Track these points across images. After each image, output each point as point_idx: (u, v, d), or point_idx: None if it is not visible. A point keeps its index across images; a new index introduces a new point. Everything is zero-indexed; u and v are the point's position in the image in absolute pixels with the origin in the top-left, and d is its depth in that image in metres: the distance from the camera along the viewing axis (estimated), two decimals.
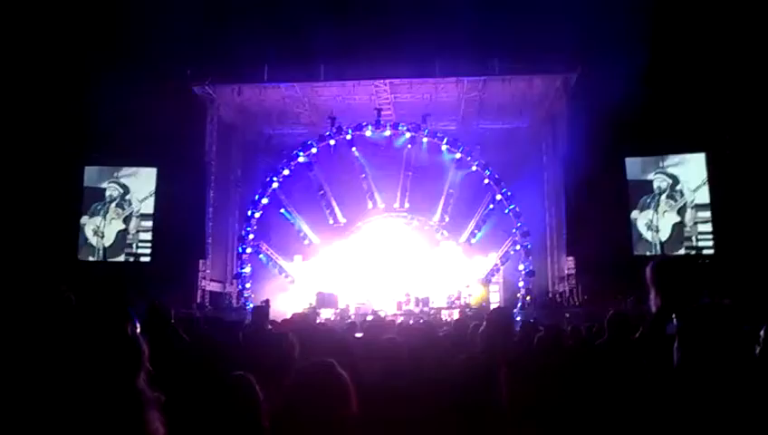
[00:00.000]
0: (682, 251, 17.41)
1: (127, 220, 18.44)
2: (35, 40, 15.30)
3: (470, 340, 4.56)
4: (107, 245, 18.24)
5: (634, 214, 17.74)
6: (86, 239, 18.20)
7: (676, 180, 17.71)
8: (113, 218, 18.37)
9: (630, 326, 4.14)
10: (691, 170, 17.68)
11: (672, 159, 17.82)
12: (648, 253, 17.45)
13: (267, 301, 15.59)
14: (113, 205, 18.50)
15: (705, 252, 17.23)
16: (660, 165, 17.86)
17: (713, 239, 17.09)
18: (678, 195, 17.64)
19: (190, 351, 5.15)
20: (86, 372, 1.88)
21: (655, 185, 17.79)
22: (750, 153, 15.57)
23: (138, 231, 18.42)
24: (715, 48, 15.18)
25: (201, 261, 18.61)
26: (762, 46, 14.62)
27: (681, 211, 17.52)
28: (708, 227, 17.30)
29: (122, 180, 18.65)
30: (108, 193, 18.57)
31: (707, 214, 17.35)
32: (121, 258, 18.21)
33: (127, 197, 18.59)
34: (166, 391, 2.06)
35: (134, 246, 18.38)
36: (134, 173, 18.71)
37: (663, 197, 17.69)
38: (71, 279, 14.82)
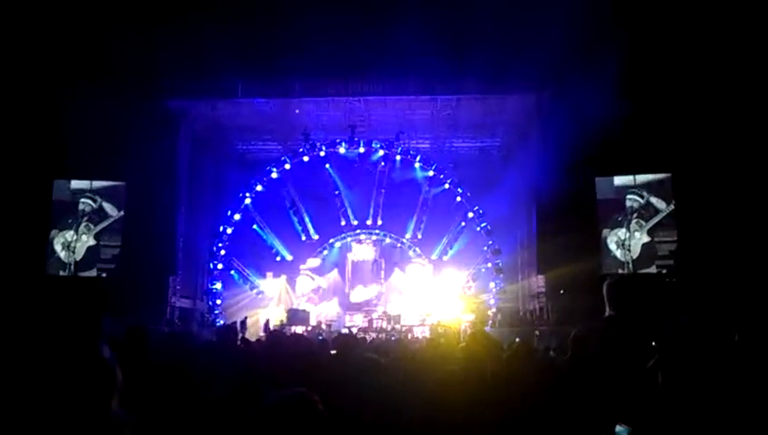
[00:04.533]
0: (653, 269, 17.61)
1: (98, 235, 18.16)
2: (3, 52, 15.08)
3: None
4: (77, 259, 17.93)
5: (605, 233, 17.95)
6: (55, 254, 17.87)
7: (647, 200, 17.96)
8: (84, 233, 18.06)
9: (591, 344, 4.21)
10: (661, 190, 17.97)
11: (643, 179, 18.08)
12: (619, 271, 17.64)
13: (243, 321, 15.57)
14: (85, 219, 18.20)
15: (671, 271, 17.46)
16: (631, 184, 18.12)
17: (678, 259, 17.35)
18: (649, 214, 17.88)
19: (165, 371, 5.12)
20: (60, 397, 1.86)
21: (627, 204, 18.02)
22: (715, 174, 15.90)
23: (108, 246, 18.13)
24: (684, 71, 15.52)
25: (171, 277, 18.38)
26: (729, 69, 15.00)
27: (651, 231, 17.77)
28: (675, 247, 17.57)
29: (94, 194, 18.37)
30: (80, 208, 18.27)
31: (675, 233, 17.63)
32: (93, 273, 17.90)
33: (99, 211, 18.30)
34: (141, 413, 2.05)
35: (106, 261, 18.08)
36: (105, 187, 18.44)
37: (634, 216, 17.92)
38: (38, 294, 14.57)
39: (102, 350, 2.01)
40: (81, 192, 18.31)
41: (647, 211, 17.88)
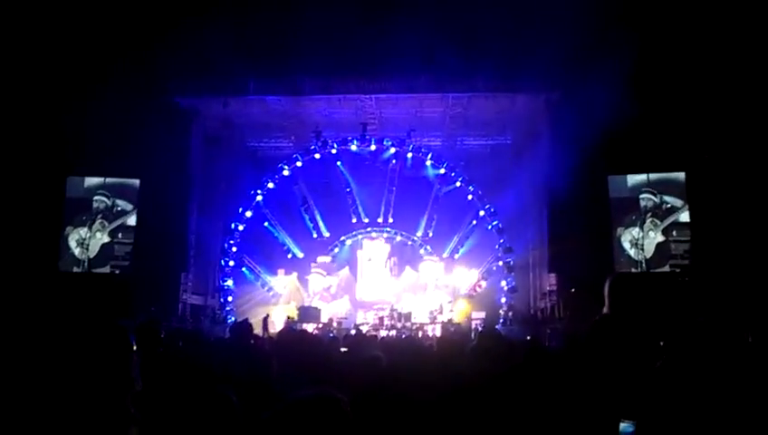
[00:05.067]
0: (667, 268, 17.49)
1: (112, 232, 18.29)
2: (19, 50, 15.20)
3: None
4: (91, 256, 18.06)
5: (619, 231, 17.84)
6: (69, 250, 18.01)
7: (661, 198, 17.84)
8: (98, 230, 18.20)
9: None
10: (675, 189, 17.84)
11: (657, 177, 17.95)
12: (632, 269, 17.55)
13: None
14: (99, 216, 18.33)
15: (685, 271, 17.33)
16: (645, 183, 18.01)
17: (691, 258, 17.24)
18: (663, 213, 17.77)
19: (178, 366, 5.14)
20: (78, 390, 1.88)
21: (641, 203, 17.91)
22: (728, 172, 15.78)
23: (122, 243, 18.26)
24: (696, 68, 15.43)
25: (183, 274, 18.48)
26: (740, 68, 14.89)
27: (666, 230, 17.64)
28: (690, 246, 17.44)
29: (108, 192, 18.50)
30: (95, 205, 18.41)
31: (689, 232, 17.51)
32: (106, 270, 18.03)
33: (113, 209, 18.43)
34: (151, 409, 2.07)
35: (119, 257, 18.21)
36: (119, 184, 18.57)
37: (648, 214, 17.80)
38: (50, 290, 14.70)
39: (128, 352, 2.03)
40: (96, 189, 18.44)
41: (661, 210, 17.76)
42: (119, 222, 18.33)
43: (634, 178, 18.07)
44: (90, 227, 18.16)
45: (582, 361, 3.18)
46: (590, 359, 3.08)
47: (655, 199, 17.81)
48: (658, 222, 17.68)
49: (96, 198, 18.40)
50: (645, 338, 2.99)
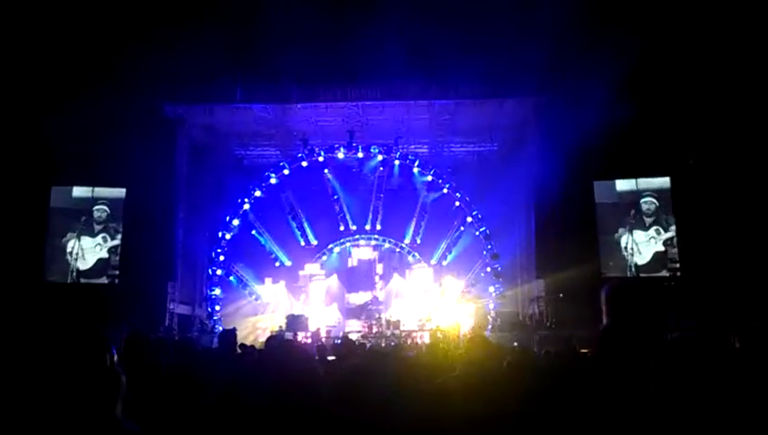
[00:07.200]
0: (664, 273, 17.51)
1: (105, 241, 18.07)
2: (1, 56, 15.07)
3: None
4: (87, 266, 17.84)
5: (620, 232, 17.82)
6: (65, 259, 17.78)
7: (657, 203, 17.84)
8: (99, 244, 17.99)
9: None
10: (667, 194, 17.84)
11: (644, 182, 17.97)
12: (629, 274, 17.54)
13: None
14: (100, 227, 18.13)
15: (674, 275, 17.35)
16: (634, 188, 18.02)
17: (680, 262, 17.29)
18: (659, 218, 17.78)
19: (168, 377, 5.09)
20: (65, 402, 1.85)
21: (644, 207, 17.88)
22: (713, 177, 15.87)
23: (114, 253, 18.05)
24: (684, 73, 15.52)
25: (170, 283, 18.32)
26: (727, 73, 15.00)
27: (662, 233, 17.65)
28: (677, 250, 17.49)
29: (105, 202, 18.27)
30: (96, 214, 18.20)
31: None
32: (103, 280, 17.81)
33: (110, 220, 18.21)
34: (144, 418, 2.04)
35: (113, 267, 17.98)
36: (108, 194, 18.35)
37: (651, 219, 17.80)
38: (37, 301, 14.49)
39: (108, 359, 2.00)
40: (93, 200, 18.24)
41: (657, 214, 17.75)
42: (113, 232, 18.12)
43: (623, 184, 18.09)
44: (79, 238, 17.92)
45: (590, 372, 3.14)
46: (599, 370, 3.03)
47: (656, 202, 17.79)
48: (661, 229, 17.66)
49: (97, 207, 18.22)
50: (648, 349, 2.94)
